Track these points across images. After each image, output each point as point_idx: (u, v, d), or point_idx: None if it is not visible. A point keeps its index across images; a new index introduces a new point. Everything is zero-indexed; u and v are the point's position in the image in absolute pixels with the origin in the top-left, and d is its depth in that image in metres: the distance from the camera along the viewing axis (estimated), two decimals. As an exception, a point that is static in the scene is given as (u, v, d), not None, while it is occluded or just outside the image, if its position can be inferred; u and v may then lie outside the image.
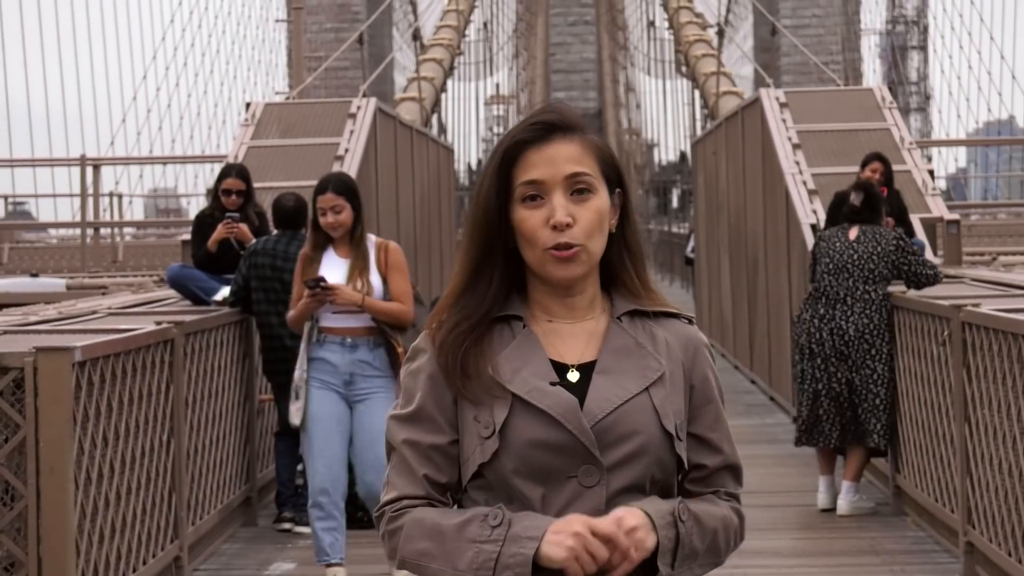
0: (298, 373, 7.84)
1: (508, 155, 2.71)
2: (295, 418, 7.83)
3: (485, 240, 2.73)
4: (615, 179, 2.76)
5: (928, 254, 12.15)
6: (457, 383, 2.70)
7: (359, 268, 7.78)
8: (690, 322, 2.82)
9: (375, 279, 7.79)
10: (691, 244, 26.51)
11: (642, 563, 2.63)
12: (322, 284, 7.63)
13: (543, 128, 2.72)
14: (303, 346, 7.83)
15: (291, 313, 7.91)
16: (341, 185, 7.89)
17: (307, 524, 9.92)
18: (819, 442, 9.99)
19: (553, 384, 2.68)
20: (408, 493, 2.72)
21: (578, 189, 2.70)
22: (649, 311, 2.78)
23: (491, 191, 2.71)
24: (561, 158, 2.70)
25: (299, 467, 10.19)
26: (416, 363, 2.77)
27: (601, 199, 2.71)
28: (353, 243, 7.85)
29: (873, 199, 10.20)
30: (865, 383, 9.89)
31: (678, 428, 2.71)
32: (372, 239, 7.93)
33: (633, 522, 2.60)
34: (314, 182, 8.04)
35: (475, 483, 2.71)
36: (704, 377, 2.78)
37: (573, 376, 2.70)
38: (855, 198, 10.19)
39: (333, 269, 7.81)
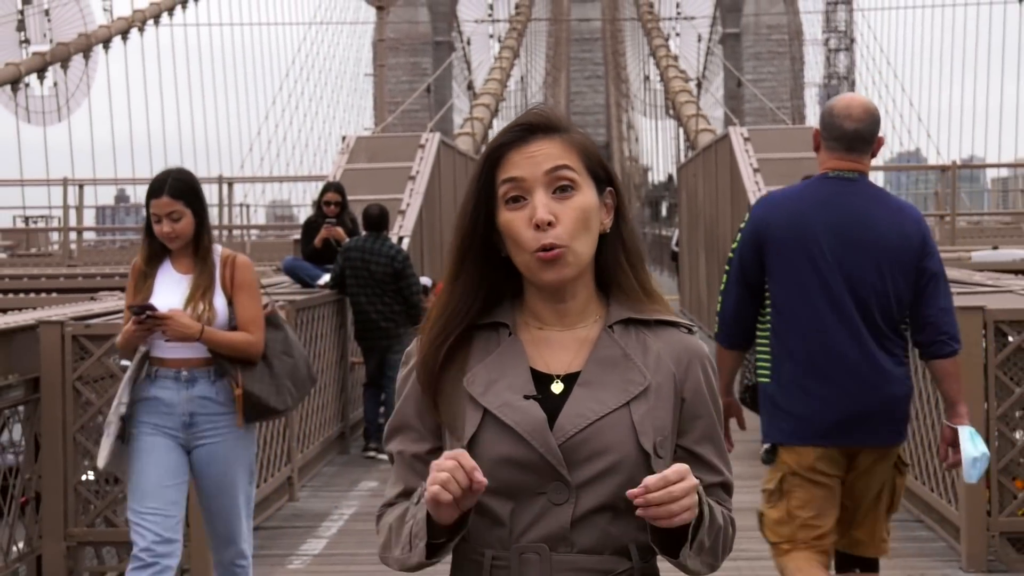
0: (113, 407, 4.72)
1: (490, 160, 2.03)
2: (101, 460, 4.71)
3: (466, 247, 2.05)
4: (604, 177, 2.06)
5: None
6: (432, 396, 2.04)
7: (202, 287, 4.74)
8: (690, 331, 2.07)
9: (219, 301, 4.75)
10: (675, 239, 26.40)
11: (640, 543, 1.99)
12: (149, 313, 4.61)
13: (523, 130, 2.04)
14: (127, 378, 4.71)
15: (118, 339, 4.82)
16: (179, 186, 4.71)
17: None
18: None
19: (528, 398, 1.99)
20: (391, 500, 2.09)
21: (561, 187, 2.00)
22: (645, 319, 2.06)
23: (473, 195, 2.04)
24: (541, 155, 2.01)
25: (380, 409, 10.19)
26: (406, 369, 2.09)
27: (586, 196, 2.01)
28: (197, 256, 4.78)
29: None
30: None
31: (657, 445, 1.99)
32: (218, 250, 4.84)
33: (693, 481, 1.89)
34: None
35: None
36: (696, 390, 2.05)
37: (557, 387, 2.01)
38: None
39: (170, 286, 4.76)
